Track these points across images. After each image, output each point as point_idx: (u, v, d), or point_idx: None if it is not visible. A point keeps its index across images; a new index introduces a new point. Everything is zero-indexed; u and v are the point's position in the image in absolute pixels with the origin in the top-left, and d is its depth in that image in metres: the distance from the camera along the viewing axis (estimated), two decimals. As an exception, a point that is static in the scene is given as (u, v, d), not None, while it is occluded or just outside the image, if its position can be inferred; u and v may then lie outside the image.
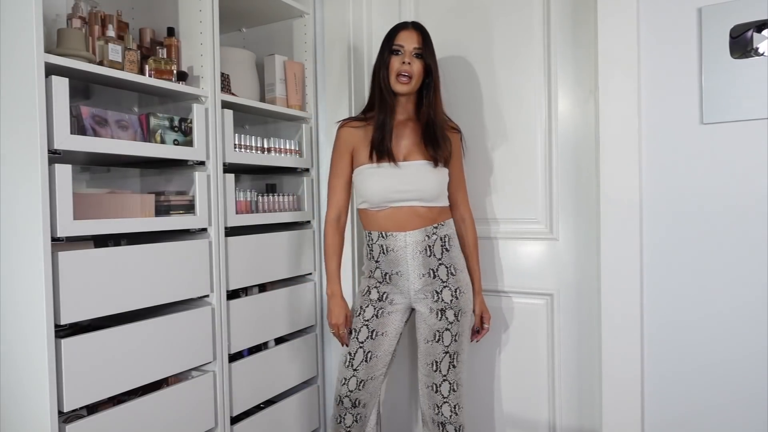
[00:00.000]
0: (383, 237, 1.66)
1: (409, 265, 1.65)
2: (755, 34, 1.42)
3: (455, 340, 1.66)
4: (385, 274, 1.68)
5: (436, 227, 1.66)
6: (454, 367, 1.66)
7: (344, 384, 1.71)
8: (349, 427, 1.73)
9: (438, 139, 1.65)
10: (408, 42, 1.63)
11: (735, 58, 1.44)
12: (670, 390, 1.57)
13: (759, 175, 1.45)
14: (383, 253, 1.67)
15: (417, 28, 1.66)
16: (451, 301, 1.65)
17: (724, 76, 1.46)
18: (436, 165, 1.65)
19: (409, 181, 1.63)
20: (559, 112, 1.81)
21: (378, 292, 1.70)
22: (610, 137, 1.60)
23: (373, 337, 1.69)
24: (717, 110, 1.47)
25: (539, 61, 1.83)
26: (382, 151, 1.63)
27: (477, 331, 1.78)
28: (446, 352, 1.65)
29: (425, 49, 1.64)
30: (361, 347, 1.69)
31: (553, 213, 1.84)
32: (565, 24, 1.78)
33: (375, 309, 1.70)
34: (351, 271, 2.06)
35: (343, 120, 1.76)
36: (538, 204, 1.86)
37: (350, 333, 1.73)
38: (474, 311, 1.74)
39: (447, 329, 1.65)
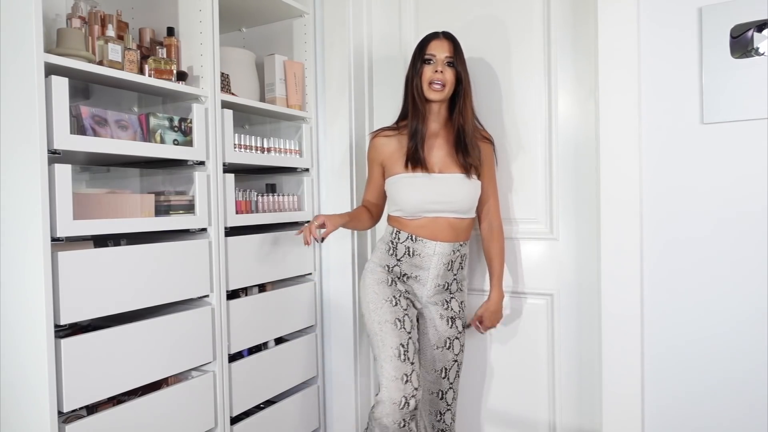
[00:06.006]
0: (412, 240, 1.65)
1: (431, 273, 1.66)
2: (756, 34, 1.42)
3: (462, 351, 1.73)
4: (404, 275, 1.68)
5: (461, 245, 1.69)
6: (458, 376, 1.74)
7: (407, 381, 1.52)
8: None
9: (467, 146, 1.64)
10: (440, 51, 1.64)
11: (735, 58, 1.44)
12: (670, 389, 1.57)
13: (759, 175, 1.44)
14: (408, 255, 1.66)
15: (448, 37, 1.67)
16: (459, 311, 1.71)
17: (724, 75, 1.46)
18: (469, 175, 1.64)
19: (444, 192, 1.63)
20: (559, 112, 1.80)
21: (403, 284, 1.68)
22: (610, 137, 1.60)
23: (416, 330, 1.67)
24: (717, 110, 1.47)
25: (539, 61, 1.83)
26: (416, 160, 1.64)
27: (468, 325, 1.79)
28: (455, 361, 1.71)
29: (456, 58, 1.65)
30: (410, 338, 1.59)
31: (553, 213, 1.83)
32: (566, 24, 1.78)
33: (407, 300, 1.67)
34: (351, 268, 2.06)
35: (376, 130, 1.78)
36: (538, 204, 1.85)
37: (321, 240, 1.62)
38: (477, 310, 1.77)
39: (457, 338, 1.70)
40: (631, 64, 1.56)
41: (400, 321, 1.60)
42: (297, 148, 2.06)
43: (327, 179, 2.13)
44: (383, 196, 1.77)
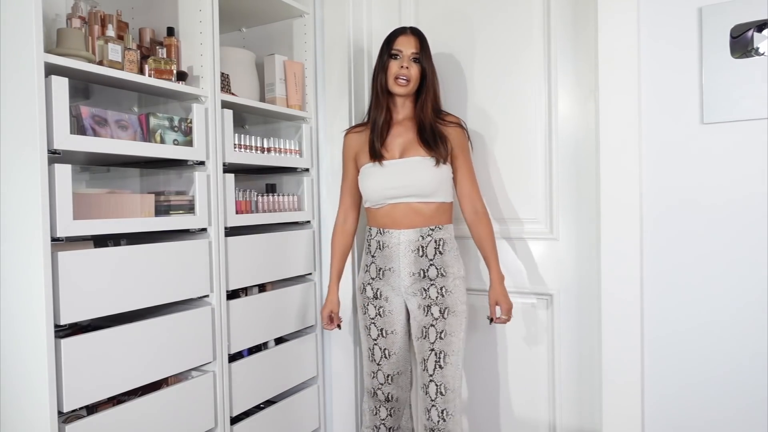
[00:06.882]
0: (380, 233, 1.71)
1: (401, 262, 1.68)
2: (756, 34, 1.42)
3: (440, 338, 1.64)
4: (379, 270, 1.72)
5: (432, 229, 1.67)
6: (441, 367, 1.63)
7: (373, 377, 1.78)
8: (384, 419, 1.78)
9: (429, 141, 1.68)
10: (406, 47, 1.68)
11: (735, 58, 1.44)
12: (670, 389, 1.57)
13: (759, 175, 1.44)
14: (379, 248, 1.72)
15: (415, 33, 1.71)
16: (437, 298, 1.66)
17: (724, 75, 1.46)
18: (436, 161, 1.66)
19: (403, 177, 1.66)
20: (559, 112, 1.80)
21: (372, 289, 1.74)
22: (610, 137, 1.60)
23: (384, 335, 1.74)
24: (717, 110, 1.47)
25: (539, 62, 1.83)
26: (374, 152, 1.70)
27: (491, 320, 1.72)
28: (431, 350, 1.64)
29: (422, 54, 1.70)
30: (376, 344, 1.76)
31: (553, 213, 1.83)
32: (566, 24, 1.78)
33: (375, 308, 1.74)
34: (350, 267, 2.06)
35: (347, 129, 1.85)
36: (538, 204, 1.86)
37: (339, 327, 1.86)
38: (489, 301, 1.71)
39: (432, 325, 1.65)
40: (631, 64, 1.56)
41: (366, 328, 1.78)
42: (297, 148, 2.06)
43: (327, 179, 2.13)
44: (360, 194, 1.80)
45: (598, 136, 1.62)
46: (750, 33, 1.42)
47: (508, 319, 1.71)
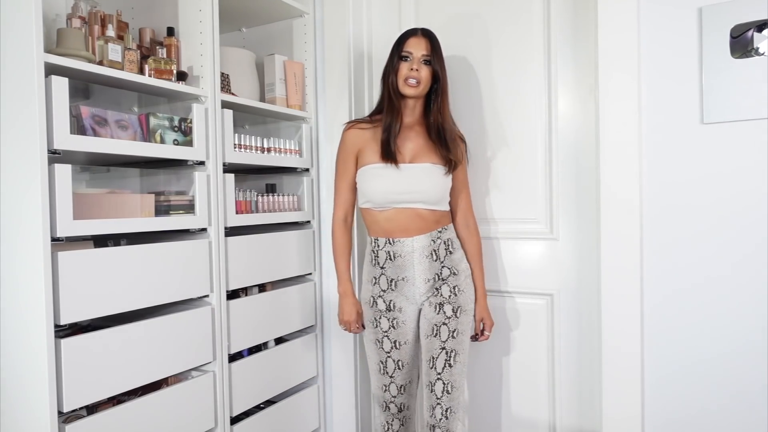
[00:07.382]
0: (390, 243, 1.67)
1: (416, 270, 1.66)
2: (756, 34, 1.42)
3: (453, 337, 1.65)
4: (391, 281, 1.69)
5: (440, 231, 1.68)
6: (450, 366, 1.64)
7: (386, 390, 1.73)
8: (397, 431, 1.76)
9: (448, 143, 1.67)
10: (417, 49, 1.65)
11: (735, 58, 1.44)
12: (670, 389, 1.57)
13: (759, 175, 1.44)
14: (390, 259, 1.67)
15: (426, 35, 1.68)
16: (450, 296, 1.66)
17: (724, 75, 1.46)
18: (448, 168, 1.66)
19: (412, 182, 1.64)
20: (559, 112, 1.80)
21: (384, 301, 1.70)
22: (610, 137, 1.60)
23: (398, 347, 1.71)
24: (717, 110, 1.47)
25: (539, 61, 1.83)
26: (388, 153, 1.65)
27: (475, 337, 1.77)
28: (443, 348, 1.64)
29: (434, 56, 1.66)
30: (389, 357, 1.71)
31: (553, 213, 1.84)
32: (566, 24, 1.78)
33: (389, 320, 1.70)
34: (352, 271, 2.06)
35: (350, 122, 1.78)
36: (538, 204, 1.86)
37: (364, 327, 1.75)
38: (474, 315, 1.74)
39: (444, 323, 1.65)
40: (631, 64, 1.56)
41: (379, 341, 1.72)
42: (297, 148, 2.06)
43: (327, 179, 2.13)
44: (356, 191, 1.76)
45: (598, 136, 1.62)
46: (750, 33, 1.42)
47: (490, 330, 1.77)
